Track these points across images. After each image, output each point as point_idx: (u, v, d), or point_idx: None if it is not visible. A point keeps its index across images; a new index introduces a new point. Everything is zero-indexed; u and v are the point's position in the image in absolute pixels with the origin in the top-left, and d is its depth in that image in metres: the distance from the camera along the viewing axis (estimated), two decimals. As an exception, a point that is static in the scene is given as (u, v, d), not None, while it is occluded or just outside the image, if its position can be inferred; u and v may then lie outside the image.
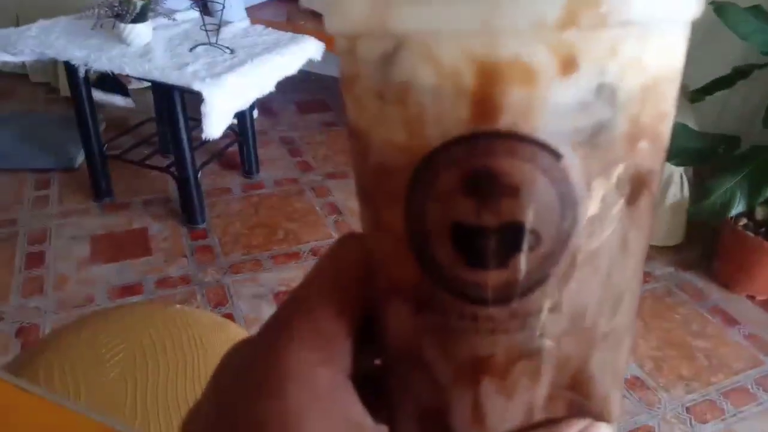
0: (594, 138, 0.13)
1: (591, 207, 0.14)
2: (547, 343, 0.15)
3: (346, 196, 1.81)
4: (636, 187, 0.14)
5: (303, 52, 1.58)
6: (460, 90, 0.13)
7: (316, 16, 2.05)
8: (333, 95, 2.39)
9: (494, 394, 0.15)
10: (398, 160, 0.14)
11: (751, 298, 1.48)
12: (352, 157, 0.16)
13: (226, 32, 1.59)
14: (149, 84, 1.66)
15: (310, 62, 1.62)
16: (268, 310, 1.38)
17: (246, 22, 1.76)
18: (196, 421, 0.17)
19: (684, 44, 0.14)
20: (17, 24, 1.65)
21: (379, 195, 0.15)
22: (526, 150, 0.13)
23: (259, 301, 1.41)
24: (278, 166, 1.96)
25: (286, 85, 1.54)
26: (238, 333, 0.79)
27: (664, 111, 0.14)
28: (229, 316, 1.36)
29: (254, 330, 0.18)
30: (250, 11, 1.98)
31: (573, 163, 0.13)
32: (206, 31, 1.54)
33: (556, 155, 0.13)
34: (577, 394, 0.16)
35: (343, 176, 1.91)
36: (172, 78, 1.36)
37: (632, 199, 0.14)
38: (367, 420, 0.17)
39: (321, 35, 1.64)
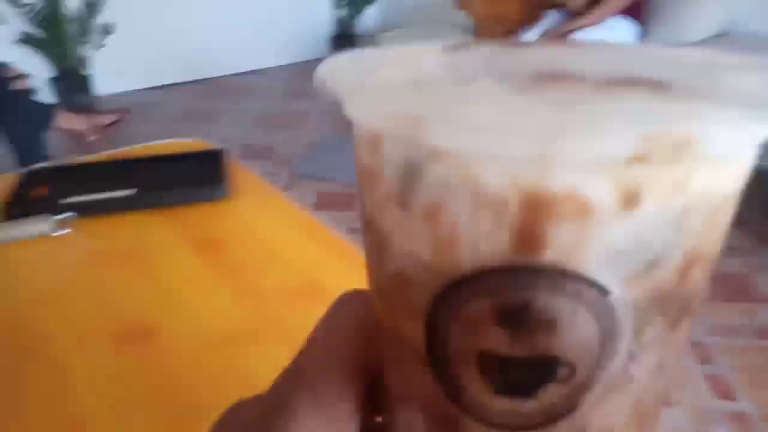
0: (646, 273, 0.12)
1: (632, 338, 0.13)
2: None
3: None
4: (680, 313, 0.13)
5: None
6: (501, 219, 0.11)
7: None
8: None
9: None
10: (421, 276, 0.13)
11: None
12: (367, 245, 0.15)
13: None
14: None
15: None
16: None
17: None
18: None
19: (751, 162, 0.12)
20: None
21: (397, 303, 0.14)
22: (571, 286, 0.12)
23: None
24: None
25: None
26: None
27: (722, 234, 0.13)
28: None
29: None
30: None
31: (620, 298, 0.12)
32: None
33: (604, 292, 0.12)
34: None
35: None
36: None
37: (674, 325, 0.14)
38: None
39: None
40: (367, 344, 0.16)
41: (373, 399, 0.17)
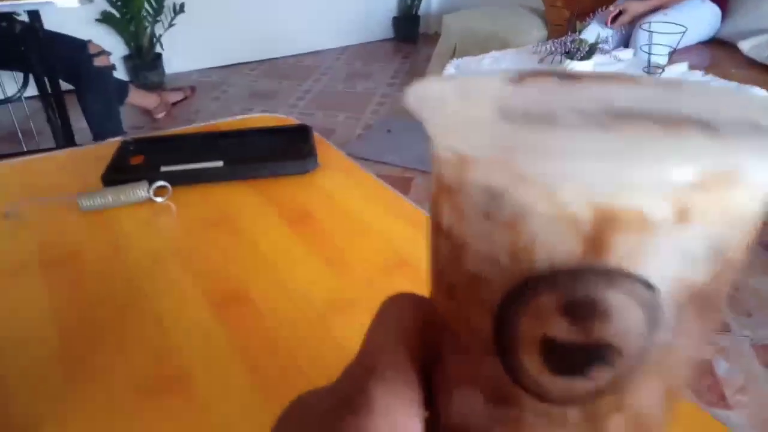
0: (689, 275, 0.14)
1: (671, 329, 0.15)
2: None
3: None
4: (711, 309, 0.16)
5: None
6: (575, 229, 0.14)
7: (751, 63, 1.91)
8: None
9: None
10: (496, 275, 0.15)
11: None
12: (438, 249, 0.17)
13: (666, 75, 1.56)
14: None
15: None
16: None
17: (684, 66, 1.69)
18: None
19: None
20: (453, 56, 1.73)
21: (469, 299, 0.16)
22: (628, 284, 0.14)
23: None
24: None
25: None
26: None
27: (749, 242, 0.15)
28: None
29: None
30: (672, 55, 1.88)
31: (666, 295, 0.14)
32: (649, 72, 1.53)
33: (653, 289, 0.14)
34: None
35: None
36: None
37: (705, 319, 0.16)
38: None
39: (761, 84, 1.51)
40: (420, 340, 0.18)
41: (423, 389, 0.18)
